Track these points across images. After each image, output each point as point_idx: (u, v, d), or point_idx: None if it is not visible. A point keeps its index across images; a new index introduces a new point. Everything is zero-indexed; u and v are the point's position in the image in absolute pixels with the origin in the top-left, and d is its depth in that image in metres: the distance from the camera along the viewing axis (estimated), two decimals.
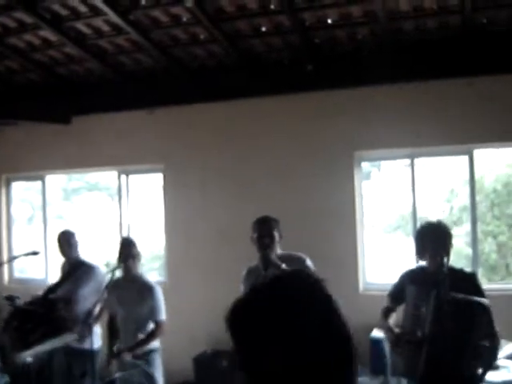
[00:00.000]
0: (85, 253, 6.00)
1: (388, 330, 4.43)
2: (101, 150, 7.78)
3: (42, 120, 7.78)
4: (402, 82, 6.46)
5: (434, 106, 6.47)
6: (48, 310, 5.13)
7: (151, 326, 5.31)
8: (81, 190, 14.21)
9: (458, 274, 4.16)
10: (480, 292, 4.04)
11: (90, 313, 5.48)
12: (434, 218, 4.77)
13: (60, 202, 13.45)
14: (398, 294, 4.47)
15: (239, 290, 4.85)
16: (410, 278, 4.41)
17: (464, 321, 3.84)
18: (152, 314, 5.29)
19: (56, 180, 9.65)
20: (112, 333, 5.43)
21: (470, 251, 7.13)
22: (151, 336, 5.27)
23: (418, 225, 6.61)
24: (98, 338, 5.54)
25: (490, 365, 4.06)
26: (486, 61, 6.26)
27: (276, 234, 4.63)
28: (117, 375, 5.00)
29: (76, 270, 5.69)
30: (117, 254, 5.36)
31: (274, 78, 6.95)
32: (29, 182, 8.93)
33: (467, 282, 4.08)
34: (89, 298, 5.54)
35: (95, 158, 7.88)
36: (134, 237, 5.77)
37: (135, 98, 7.46)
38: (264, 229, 4.62)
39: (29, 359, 5.44)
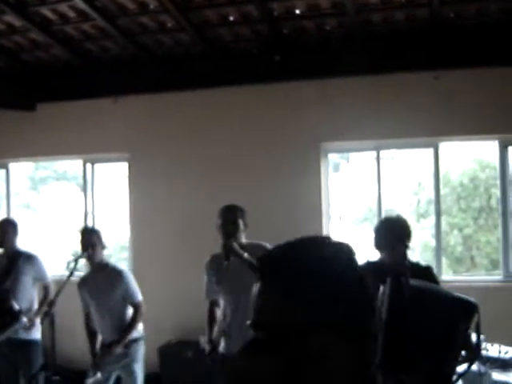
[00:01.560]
0: (24, 242, 5.88)
1: None
2: (66, 138, 7.65)
3: (6, 107, 7.64)
4: (369, 73, 6.50)
5: (401, 98, 6.51)
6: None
7: (129, 311, 5.22)
8: (48, 179, 14.04)
9: (414, 267, 4.18)
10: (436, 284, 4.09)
11: (32, 302, 5.49)
12: (395, 212, 4.82)
13: (27, 191, 13.28)
14: None
15: (202, 277, 4.86)
16: (368, 270, 4.40)
17: (429, 312, 3.84)
18: (127, 298, 5.20)
19: (22, 168, 9.52)
20: (91, 336, 5.28)
21: (433, 243, 7.21)
22: (133, 320, 5.18)
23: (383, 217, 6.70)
24: (38, 328, 5.47)
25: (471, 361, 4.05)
26: (453, 54, 6.32)
27: (240, 222, 4.63)
28: (100, 376, 4.93)
29: (15, 260, 5.57)
30: (79, 244, 5.27)
31: (241, 68, 6.91)
32: None
33: (423, 275, 4.06)
34: (30, 287, 5.51)
35: (60, 146, 7.76)
36: (97, 226, 5.69)
37: (101, 86, 7.36)
38: (228, 216, 4.62)
39: None
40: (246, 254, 4.44)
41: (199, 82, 7.01)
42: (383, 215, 6.76)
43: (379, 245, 4.38)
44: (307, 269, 1.16)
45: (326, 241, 1.24)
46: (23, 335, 5.34)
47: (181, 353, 6.75)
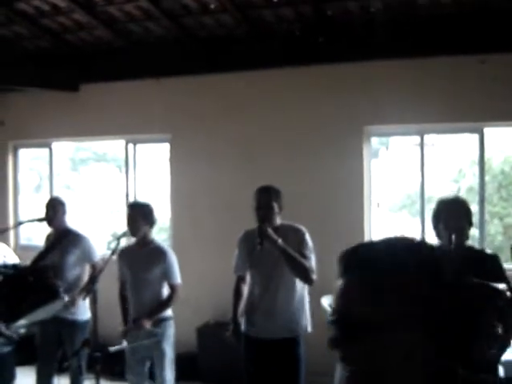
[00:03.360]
0: (72, 222, 5.92)
1: None
2: (108, 118, 7.73)
3: (50, 87, 7.73)
4: (413, 57, 6.38)
5: (445, 82, 6.38)
6: (38, 278, 5.08)
7: (164, 291, 5.26)
8: (88, 160, 14.21)
9: (477, 254, 4.00)
10: (502, 275, 3.82)
11: (77, 282, 5.53)
12: (450, 194, 4.61)
13: (68, 172, 13.46)
14: None
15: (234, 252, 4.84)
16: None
17: (468, 305, 3.72)
18: (165, 277, 5.23)
19: (64, 149, 9.63)
20: (123, 301, 5.37)
21: (476, 232, 7.09)
22: (168, 300, 5.23)
23: (426, 204, 6.59)
24: (87, 309, 5.53)
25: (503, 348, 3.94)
26: (500, 38, 6.16)
27: (275, 205, 4.62)
28: (126, 344, 4.96)
29: (62, 238, 5.63)
30: (125, 219, 5.30)
31: (284, 49, 6.85)
32: (35, 149, 8.92)
33: (488, 264, 3.87)
34: (75, 266, 5.55)
35: (102, 126, 7.84)
36: (144, 200, 5.66)
37: (144, 67, 7.38)
38: (262, 199, 4.61)
39: (21, 330, 5.47)
40: (280, 240, 4.45)
41: (242, 63, 6.97)
42: (425, 203, 6.67)
43: (437, 230, 4.14)
44: (396, 266, 1.21)
45: (411, 240, 1.29)
46: (70, 315, 5.41)
47: (219, 333, 6.76)
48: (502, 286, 3.64)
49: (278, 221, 4.68)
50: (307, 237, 4.61)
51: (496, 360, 3.81)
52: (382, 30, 6.46)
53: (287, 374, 4.61)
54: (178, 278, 5.29)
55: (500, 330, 3.63)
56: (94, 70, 7.72)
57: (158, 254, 5.24)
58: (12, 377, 5.51)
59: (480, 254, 4.03)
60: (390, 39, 6.44)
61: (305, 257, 4.52)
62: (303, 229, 4.67)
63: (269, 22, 6.73)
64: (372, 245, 1.31)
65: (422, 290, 1.20)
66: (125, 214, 5.34)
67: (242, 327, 4.75)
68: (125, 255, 5.31)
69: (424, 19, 6.32)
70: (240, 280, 4.86)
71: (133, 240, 5.44)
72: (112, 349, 4.93)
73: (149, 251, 5.25)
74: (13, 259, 5.72)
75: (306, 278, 4.53)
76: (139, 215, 5.20)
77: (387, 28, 6.44)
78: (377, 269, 1.21)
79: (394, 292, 1.19)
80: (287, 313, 4.61)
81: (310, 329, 4.73)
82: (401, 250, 1.25)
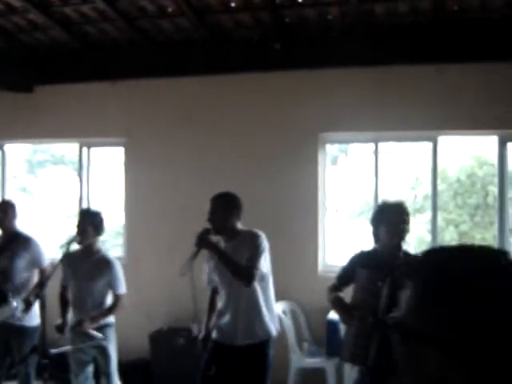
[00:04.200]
0: (24, 225, 5.83)
1: (337, 299, 4.36)
2: (63, 120, 7.59)
3: (4, 87, 7.57)
4: (370, 65, 6.44)
5: (401, 90, 6.46)
6: None
7: (108, 300, 5.24)
8: (46, 163, 14.00)
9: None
10: None
11: (25, 286, 5.42)
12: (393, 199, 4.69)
13: (24, 175, 13.24)
14: (346, 276, 4.41)
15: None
16: (362, 260, 4.34)
17: None
18: (110, 287, 5.21)
19: (20, 151, 9.46)
20: (64, 304, 5.32)
21: (429, 238, 7.18)
22: (111, 308, 5.21)
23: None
24: (36, 314, 5.44)
25: None
26: (455, 48, 6.26)
27: (221, 213, 4.64)
28: (68, 347, 4.90)
29: (12, 241, 5.52)
30: (75, 226, 5.23)
31: (241, 55, 6.85)
32: None
33: None
34: (24, 270, 5.45)
35: (57, 128, 7.69)
36: (95, 209, 5.62)
37: (99, 69, 7.29)
38: (211, 207, 4.70)
39: None
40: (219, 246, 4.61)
41: (198, 68, 6.95)
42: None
43: (376, 233, 4.28)
44: (460, 279, 1.12)
45: (478, 251, 1.19)
46: (18, 321, 5.30)
47: (172, 340, 6.73)
48: None
49: (239, 226, 4.71)
50: (261, 240, 4.61)
51: None
52: (339, 38, 6.51)
53: (251, 380, 4.66)
54: (122, 288, 5.28)
55: None
56: (48, 71, 7.57)
57: (104, 263, 5.22)
58: None
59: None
60: (347, 47, 6.48)
61: (250, 259, 4.54)
62: (260, 233, 4.67)
63: (227, 28, 6.71)
64: (445, 250, 1.22)
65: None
66: (76, 221, 5.26)
67: (213, 334, 4.78)
68: (70, 261, 5.21)
69: (381, 28, 6.38)
70: (214, 292, 4.90)
71: (78, 246, 5.35)
72: (54, 351, 4.88)
73: (95, 261, 5.21)
74: None
75: (243, 278, 4.53)
76: (89, 224, 5.16)
77: (344, 36, 6.49)
78: (450, 277, 1.12)
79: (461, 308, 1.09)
80: (250, 318, 4.64)
81: (274, 333, 4.75)
82: (477, 258, 1.16)
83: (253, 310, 4.63)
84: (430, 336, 1.11)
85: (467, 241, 10.75)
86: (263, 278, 4.65)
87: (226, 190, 4.78)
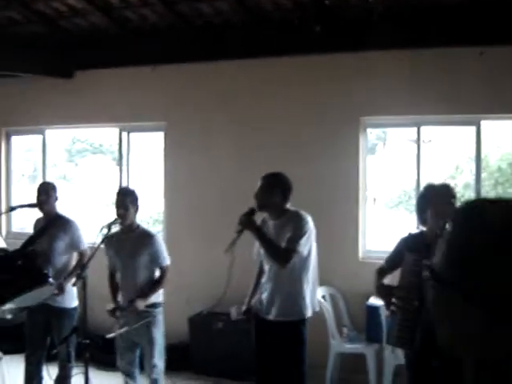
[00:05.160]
0: (62, 207, 5.85)
1: (381, 285, 4.34)
2: (103, 105, 7.65)
3: (44, 73, 7.64)
4: (411, 47, 6.31)
5: (444, 73, 6.33)
6: (26, 263, 5.02)
7: (154, 276, 5.26)
8: (85, 152, 14.16)
9: None
10: None
11: (65, 268, 5.47)
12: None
13: (64, 163, 13.41)
14: (394, 259, 4.37)
15: None
16: (408, 244, 4.29)
17: None
18: (154, 261, 5.22)
19: (59, 140, 9.56)
20: (114, 289, 5.35)
21: None
22: (158, 283, 5.23)
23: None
24: (74, 296, 5.48)
25: None
26: (500, 30, 6.10)
27: (270, 192, 4.73)
28: (123, 329, 4.97)
29: (52, 223, 5.56)
30: (116, 205, 5.23)
31: (281, 38, 6.77)
32: (29, 135, 8.83)
33: None
34: (63, 253, 5.49)
35: (97, 113, 7.75)
36: (131, 187, 5.65)
37: (139, 54, 7.29)
38: (259, 186, 4.79)
39: (9, 316, 5.41)
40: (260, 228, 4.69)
41: (237, 51, 6.90)
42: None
43: (422, 215, 4.20)
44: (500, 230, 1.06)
45: None
46: (58, 303, 5.35)
47: (211, 324, 6.74)
48: None
49: (288, 206, 4.80)
50: (304, 222, 4.66)
51: None
52: (380, 20, 6.39)
53: (288, 357, 4.73)
54: (166, 260, 5.30)
55: None
56: (89, 57, 7.61)
57: (146, 237, 5.24)
58: None
59: None
60: (387, 29, 6.36)
61: (290, 240, 4.61)
62: (305, 215, 4.73)
63: (266, 10, 6.65)
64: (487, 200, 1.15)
65: None
66: (114, 199, 5.28)
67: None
68: (112, 243, 5.25)
69: (422, 10, 6.25)
70: (262, 267, 5.01)
71: (118, 228, 5.37)
72: (109, 336, 4.96)
73: (136, 236, 5.23)
74: (1, 243, 5.66)
75: (279, 260, 4.61)
76: (129, 201, 5.18)
77: (385, 18, 6.37)
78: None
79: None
80: (286, 296, 4.70)
81: (309, 314, 4.78)
82: None
83: (291, 290, 4.70)
84: (467, 288, 1.05)
85: None
86: (304, 260, 4.66)
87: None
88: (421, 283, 3.90)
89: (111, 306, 5.21)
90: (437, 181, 4.77)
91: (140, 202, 5.29)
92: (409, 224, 8.97)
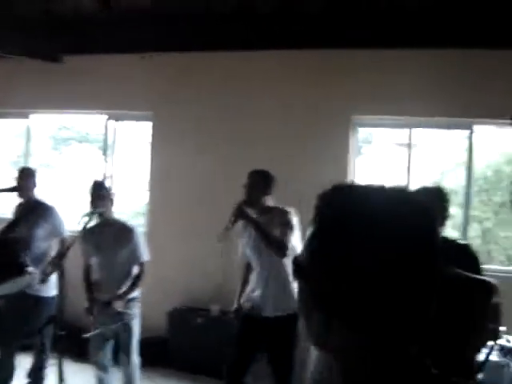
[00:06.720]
0: (41, 193, 5.71)
1: None
2: (90, 92, 7.49)
3: (32, 56, 7.47)
4: (408, 47, 6.25)
5: (438, 75, 6.27)
6: (6, 251, 4.91)
7: (134, 270, 5.15)
8: (71, 140, 13.98)
9: (452, 244, 3.84)
10: (478, 263, 3.65)
11: (44, 255, 5.33)
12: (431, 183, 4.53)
13: (49, 151, 13.23)
14: None
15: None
16: None
17: (461, 299, 3.52)
18: (134, 256, 5.11)
19: (45, 127, 9.38)
20: (89, 285, 5.22)
21: (455, 235, 7.04)
22: (138, 279, 5.13)
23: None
24: (53, 285, 5.32)
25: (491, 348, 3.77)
26: (496, 33, 6.06)
27: (261, 187, 4.74)
28: (100, 330, 4.88)
29: (32, 210, 5.42)
30: (94, 199, 5.08)
31: (272, 33, 6.68)
32: (13, 119, 8.66)
33: (463, 253, 3.67)
34: (43, 240, 5.36)
35: (84, 100, 7.60)
36: (107, 181, 5.54)
37: (130, 41, 7.15)
38: (249, 180, 4.79)
39: None
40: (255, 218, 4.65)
41: (230, 43, 6.80)
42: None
43: None
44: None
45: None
46: (35, 291, 5.22)
47: (190, 318, 6.66)
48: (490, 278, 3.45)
49: (270, 203, 4.79)
50: (290, 216, 4.66)
51: (483, 362, 3.64)
52: (375, 18, 6.34)
53: (279, 352, 4.74)
54: (146, 255, 5.19)
55: (491, 327, 3.44)
56: (78, 42, 7.45)
57: (126, 231, 5.11)
58: None
59: (453, 243, 3.85)
60: (381, 29, 6.32)
61: (281, 234, 4.61)
62: (289, 210, 4.72)
63: (258, 2, 6.55)
64: (360, 188, 1.10)
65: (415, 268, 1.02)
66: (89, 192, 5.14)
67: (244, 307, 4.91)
68: (90, 237, 5.09)
69: (419, 10, 6.18)
70: (248, 267, 5.01)
71: (96, 221, 5.22)
72: (87, 335, 4.89)
73: (116, 230, 5.10)
74: None
75: (278, 249, 4.58)
76: (106, 195, 5.06)
77: (379, 18, 6.32)
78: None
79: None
80: (279, 291, 4.71)
81: None
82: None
83: (282, 284, 4.69)
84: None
85: (490, 239, 10.58)
86: (292, 253, 4.61)
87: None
88: None
89: (87, 304, 5.11)
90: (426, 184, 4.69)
91: (117, 195, 5.22)
92: None
